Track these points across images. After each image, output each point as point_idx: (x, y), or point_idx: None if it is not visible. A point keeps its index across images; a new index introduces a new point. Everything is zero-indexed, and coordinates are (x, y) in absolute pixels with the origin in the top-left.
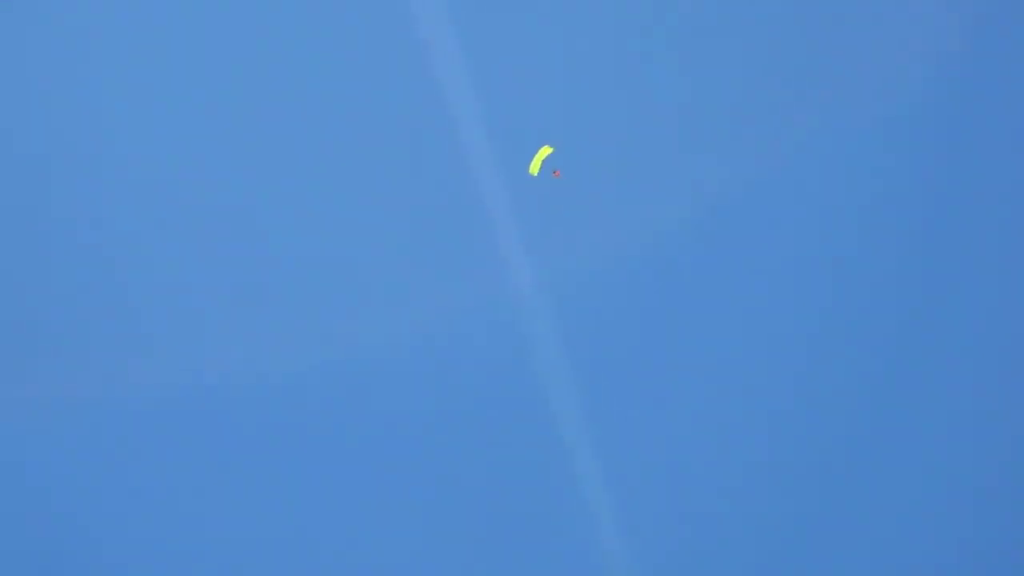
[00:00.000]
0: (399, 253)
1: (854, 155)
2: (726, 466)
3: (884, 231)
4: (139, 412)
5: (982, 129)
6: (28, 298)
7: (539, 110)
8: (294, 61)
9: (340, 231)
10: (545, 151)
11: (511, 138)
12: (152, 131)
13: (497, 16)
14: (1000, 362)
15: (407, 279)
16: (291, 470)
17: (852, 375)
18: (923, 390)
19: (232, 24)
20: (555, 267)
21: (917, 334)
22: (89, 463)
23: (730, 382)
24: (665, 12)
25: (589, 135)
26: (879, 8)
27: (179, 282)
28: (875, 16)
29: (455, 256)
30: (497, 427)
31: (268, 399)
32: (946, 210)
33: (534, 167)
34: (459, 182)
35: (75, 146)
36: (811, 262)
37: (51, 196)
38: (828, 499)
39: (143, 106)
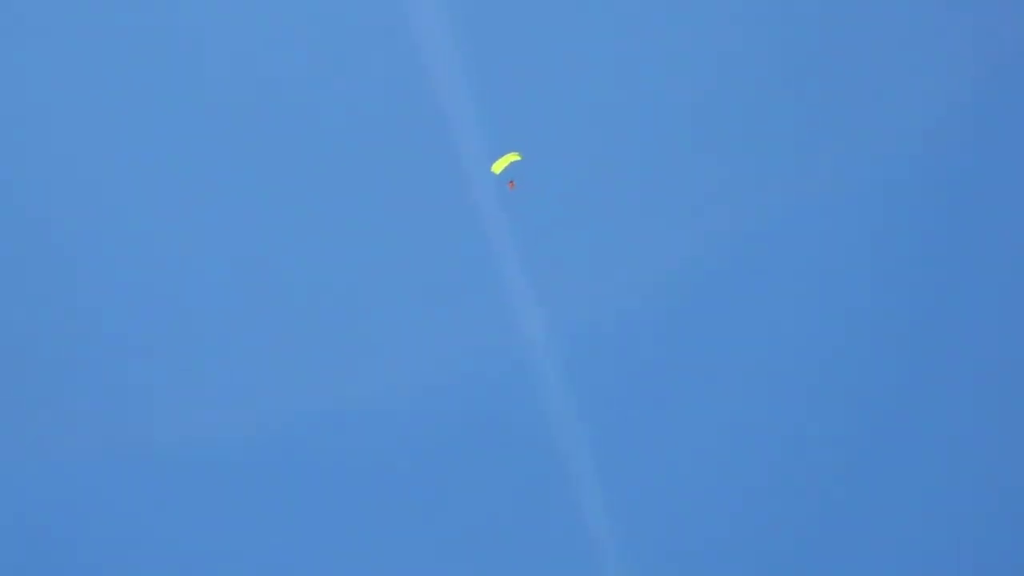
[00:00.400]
0: (410, 302)
1: (856, 209)
2: (728, 504)
3: (884, 285)
4: (171, 456)
5: (983, 189)
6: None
7: (549, 162)
8: (304, 107)
9: (353, 282)
10: (512, 156)
11: (521, 188)
12: (161, 196)
13: (513, 74)
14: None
15: (418, 327)
16: (301, 511)
17: (849, 419)
18: (918, 435)
19: (241, 81)
20: (562, 313)
21: (914, 381)
22: (114, 505)
23: (732, 422)
24: (674, 71)
25: (598, 190)
26: (881, 71)
27: (195, 336)
28: (877, 79)
29: (465, 303)
30: (506, 468)
31: (281, 443)
32: (944, 262)
33: (497, 167)
34: (469, 231)
35: (96, 205)
36: (811, 310)
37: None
38: (824, 537)
39: (148, 166)
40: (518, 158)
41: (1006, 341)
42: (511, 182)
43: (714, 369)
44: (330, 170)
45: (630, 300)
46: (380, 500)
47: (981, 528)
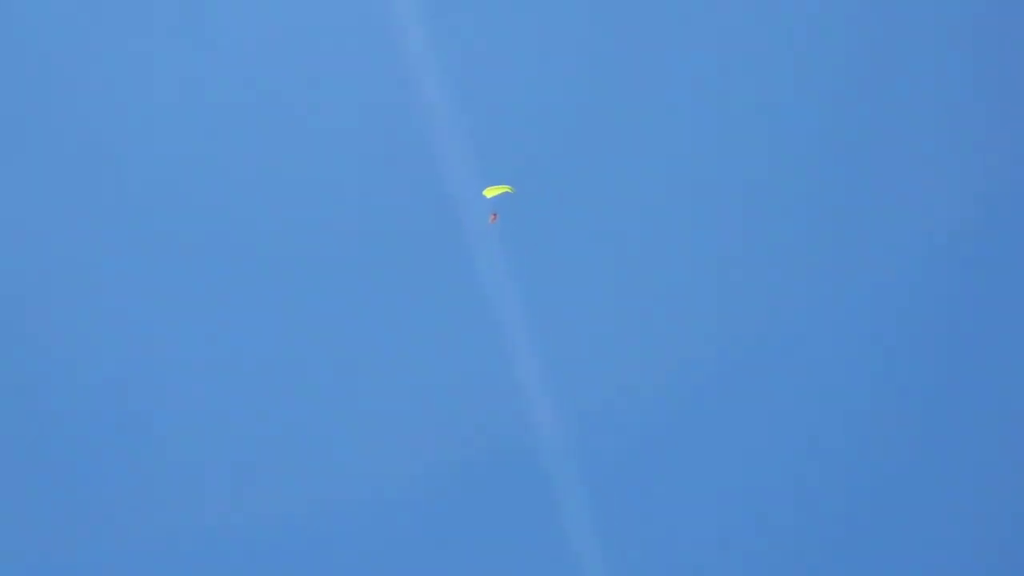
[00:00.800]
0: (419, 395)
1: (861, 317)
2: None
3: (887, 386)
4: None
5: (988, 305)
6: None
7: (562, 263)
8: (316, 214)
9: (365, 374)
10: (505, 188)
11: (534, 281)
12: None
13: (532, 178)
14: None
15: (426, 414)
16: None
17: (848, 510)
18: (914, 533)
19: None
20: (571, 402)
21: (914, 483)
22: None
23: (735, 506)
24: (691, 177)
25: (612, 292)
26: (889, 187)
27: (203, 422)
28: (886, 194)
29: (473, 388)
30: (511, 547)
31: (286, 531)
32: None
33: (490, 192)
34: (479, 317)
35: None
36: (813, 407)
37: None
38: None
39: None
40: (511, 191)
41: (1008, 463)
42: (494, 215)
43: (718, 456)
44: (335, 256)
45: (639, 389)
46: None
47: None
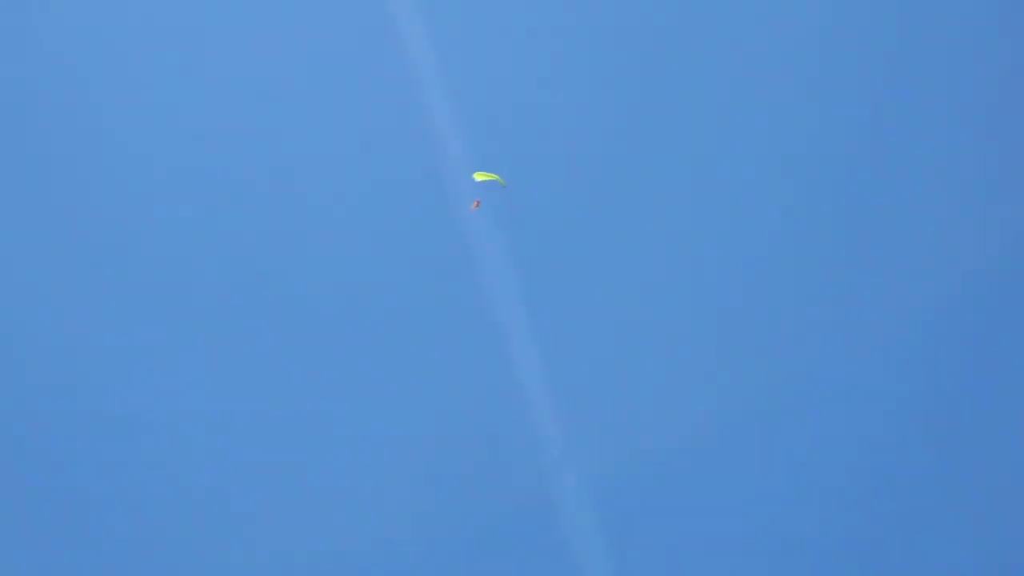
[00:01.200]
0: (437, 450)
1: (863, 377)
2: None
3: (893, 445)
4: None
5: (988, 372)
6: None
7: (582, 331)
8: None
9: (384, 428)
10: (494, 176)
11: (553, 341)
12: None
13: (549, 239)
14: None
15: (446, 474)
16: None
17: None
18: None
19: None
20: (590, 457)
21: (918, 541)
22: None
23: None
24: (679, 264)
25: (624, 360)
26: (881, 262)
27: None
28: (876, 269)
29: (493, 447)
30: None
31: None
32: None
33: (480, 176)
34: (500, 379)
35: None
36: (819, 466)
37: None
38: None
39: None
40: (501, 182)
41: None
42: (476, 202)
43: (729, 516)
44: (360, 327)
45: (655, 443)
46: None
47: None
